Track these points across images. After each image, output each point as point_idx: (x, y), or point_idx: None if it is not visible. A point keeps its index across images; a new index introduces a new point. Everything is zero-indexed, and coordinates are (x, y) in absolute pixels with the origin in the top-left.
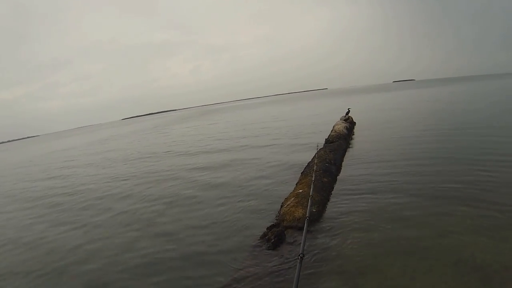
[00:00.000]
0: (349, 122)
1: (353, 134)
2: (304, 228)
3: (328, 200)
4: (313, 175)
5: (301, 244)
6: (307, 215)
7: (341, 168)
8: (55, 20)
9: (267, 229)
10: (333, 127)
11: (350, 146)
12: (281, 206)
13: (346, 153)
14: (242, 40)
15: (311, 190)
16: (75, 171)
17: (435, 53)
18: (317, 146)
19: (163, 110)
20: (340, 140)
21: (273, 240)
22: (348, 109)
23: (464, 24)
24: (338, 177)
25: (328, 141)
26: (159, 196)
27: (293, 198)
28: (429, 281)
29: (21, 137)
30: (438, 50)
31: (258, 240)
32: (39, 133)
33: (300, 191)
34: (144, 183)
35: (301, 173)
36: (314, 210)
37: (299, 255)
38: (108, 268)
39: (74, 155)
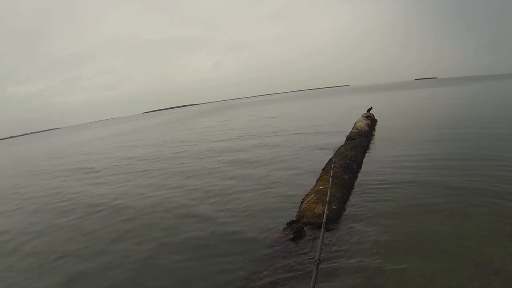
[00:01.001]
0: (371, 119)
1: (375, 131)
2: (321, 233)
3: (349, 197)
4: (331, 172)
5: (318, 250)
6: (324, 221)
7: (361, 165)
8: (77, 16)
9: (287, 224)
10: (355, 124)
11: (371, 143)
12: (301, 202)
13: (368, 150)
14: (263, 36)
15: (328, 195)
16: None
17: (457, 51)
18: (334, 149)
19: (184, 104)
20: (361, 137)
21: (292, 236)
22: (370, 107)
23: (484, 23)
24: (358, 174)
25: (349, 138)
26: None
27: (313, 195)
28: (448, 283)
29: (43, 129)
30: (460, 48)
31: (278, 234)
32: (61, 125)
33: (321, 187)
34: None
35: (322, 169)
36: (335, 207)
37: (316, 261)
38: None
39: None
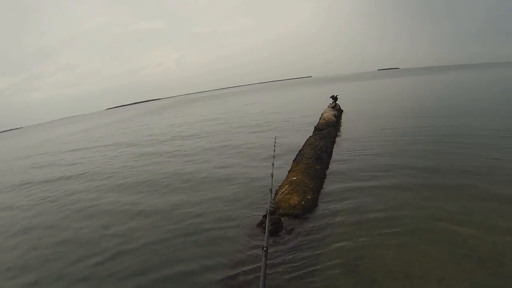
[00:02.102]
0: (337, 110)
1: (341, 121)
2: (266, 222)
3: (322, 187)
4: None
5: (265, 238)
6: (267, 210)
7: (332, 155)
8: (40, 11)
9: (263, 217)
10: (322, 115)
11: (339, 133)
12: (276, 194)
13: (336, 139)
14: (226, 29)
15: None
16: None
17: (418, 42)
18: (275, 139)
19: (148, 99)
20: (329, 128)
21: (270, 228)
22: (336, 96)
23: (444, 16)
24: (329, 163)
25: (317, 129)
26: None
27: (287, 186)
28: (425, 265)
29: (3, 130)
30: (421, 40)
31: (255, 227)
32: (22, 125)
33: (294, 178)
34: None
35: (293, 160)
36: (309, 197)
37: (263, 248)
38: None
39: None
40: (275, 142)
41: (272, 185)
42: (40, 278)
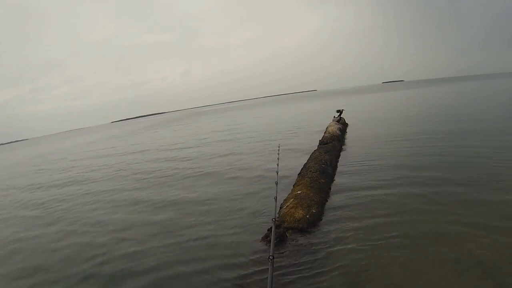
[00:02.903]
0: (342, 123)
1: (346, 135)
2: (272, 230)
3: (327, 201)
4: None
5: (271, 247)
6: (273, 218)
7: (336, 168)
8: (46, 23)
9: (268, 230)
10: (326, 128)
11: (344, 146)
12: (281, 208)
13: (341, 153)
14: (232, 42)
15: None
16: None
17: (422, 54)
18: (278, 147)
19: (153, 113)
20: (334, 141)
21: (275, 241)
22: (341, 110)
23: (447, 28)
24: (334, 177)
25: (322, 143)
26: None
27: (292, 199)
28: (430, 277)
29: (7, 142)
30: (425, 51)
31: (260, 241)
32: (28, 136)
33: (299, 192)
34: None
35: (298, 174)
36: (314, 211)
37: (269, 257)
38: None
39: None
40: (278, 150)
41: (276, 193)
42: None
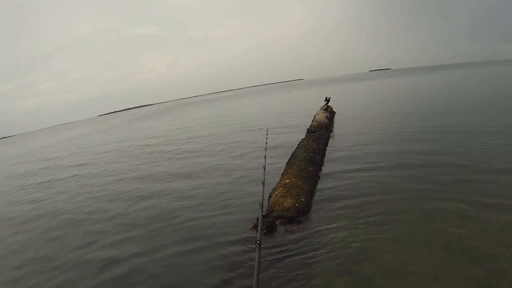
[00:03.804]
0: (329, 112)
1: (334, 123)
2: (260, 214)
3: (315, 189)
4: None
5: (258, 232)
6: (260, 202)
7: (324, 156)
8: (32, 17)
9: (257, 220)
10: (314, 117)
11: (332, 134)
12: (269, 197)
13: (329, 141)
14: (219, 33)
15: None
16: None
17: (410, 43)
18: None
19: (140, 105)
20: (321, 130)
21: (264, 231)
22: (328, 98)
23: (435, 17)
24: (322, 165)
25: (309, 131)
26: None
27: (280, 189)
28: (421, 263)
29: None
30: (413, 40)
31: (249, 230)
32: (15, 132)
33: (287, 181)
34: None
35: (286, 163)
36: (303, 200)
37: (256, 242)
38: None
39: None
40: (266, 135)
41: (264, 177)
42: None
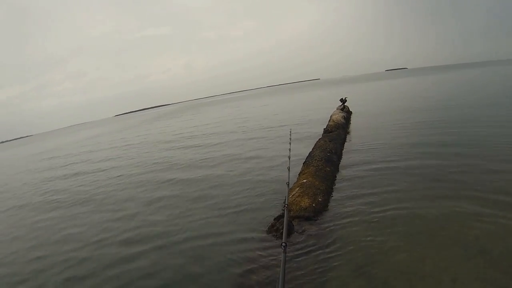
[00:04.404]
0: (346, 112)
1: (350, 123)
2: (285, 216)
3: (332, 189)
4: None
5: (284, 234)
6: (284, 205)
7: (341, 156)
8: (47, 21)
9: (274, 219)
10: (331, 117)
11: (348, 134)
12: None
13: (345, 141)
14: (233, 33)
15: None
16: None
17: (425, 42)
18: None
19: (155, 105)
20: (338, 130)
21: (281, 230)
22: (345, 98)
23: (449, 17)
24: (339, 165)
25: (326, 131)
26: None
27: (298, 188)
28: (437, 265)
29: (14, 138)
30: (428, 39)
31: (267, 230)
32: (33, 132)
33: (304, 181)
34: None
35: (303, 163)
36: (320, 200)
37: (282, 244)
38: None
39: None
40: (290, 135)
41: (289, 179)
42: None
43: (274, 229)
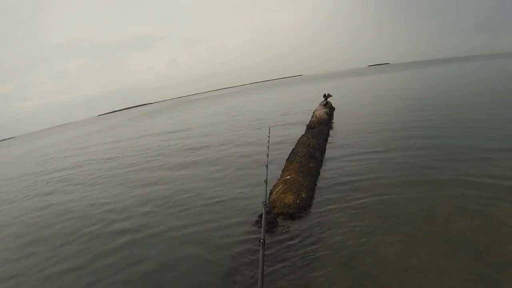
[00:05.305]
0: (328, 107)
1: (333, 119)
2: (263, 214)
3: (316, 184)
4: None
5: (262, 231)
6: (263, 201)
7: (325, 152)
8: (30, 19)
9: (259, 216)
10: (313, 112)
11: (332, 130)
12: (270, 193)
13: (329, 136)
14: (218, 32)
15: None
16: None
17: (409, 38)
18: (269, 130)
19: (139, 104)
20: (321, 125)
21: (266, 228)
22: (327, 94)
23: (428, 14)
24: (323, 160)
25: (309, 127)
26: None
27: (281, 185)
28: (422, 258)
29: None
30: (411, 35)
31: (251, 227)
32: (15, 134)
33: (288, 177)
34: None
35: (286, 159)
36: (304, 196)
37: (260, 240)
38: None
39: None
40: (269, 133)
41: (267, 176)
42: None
43: (258, 226)
